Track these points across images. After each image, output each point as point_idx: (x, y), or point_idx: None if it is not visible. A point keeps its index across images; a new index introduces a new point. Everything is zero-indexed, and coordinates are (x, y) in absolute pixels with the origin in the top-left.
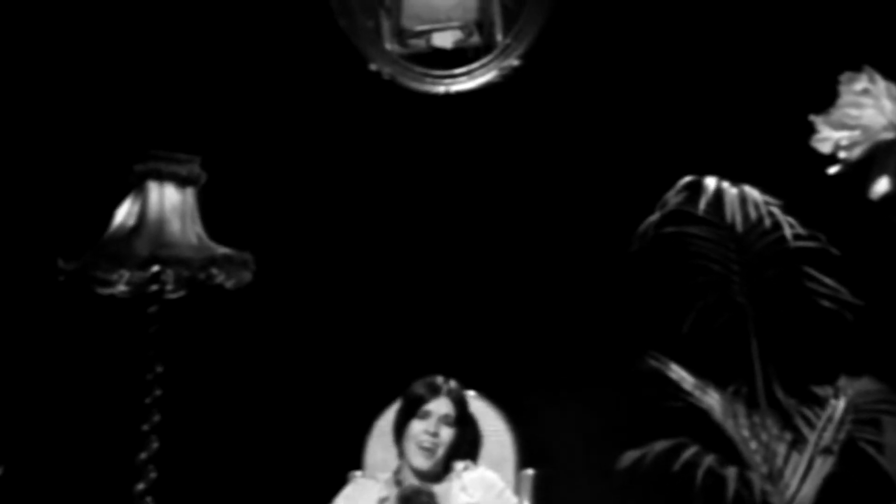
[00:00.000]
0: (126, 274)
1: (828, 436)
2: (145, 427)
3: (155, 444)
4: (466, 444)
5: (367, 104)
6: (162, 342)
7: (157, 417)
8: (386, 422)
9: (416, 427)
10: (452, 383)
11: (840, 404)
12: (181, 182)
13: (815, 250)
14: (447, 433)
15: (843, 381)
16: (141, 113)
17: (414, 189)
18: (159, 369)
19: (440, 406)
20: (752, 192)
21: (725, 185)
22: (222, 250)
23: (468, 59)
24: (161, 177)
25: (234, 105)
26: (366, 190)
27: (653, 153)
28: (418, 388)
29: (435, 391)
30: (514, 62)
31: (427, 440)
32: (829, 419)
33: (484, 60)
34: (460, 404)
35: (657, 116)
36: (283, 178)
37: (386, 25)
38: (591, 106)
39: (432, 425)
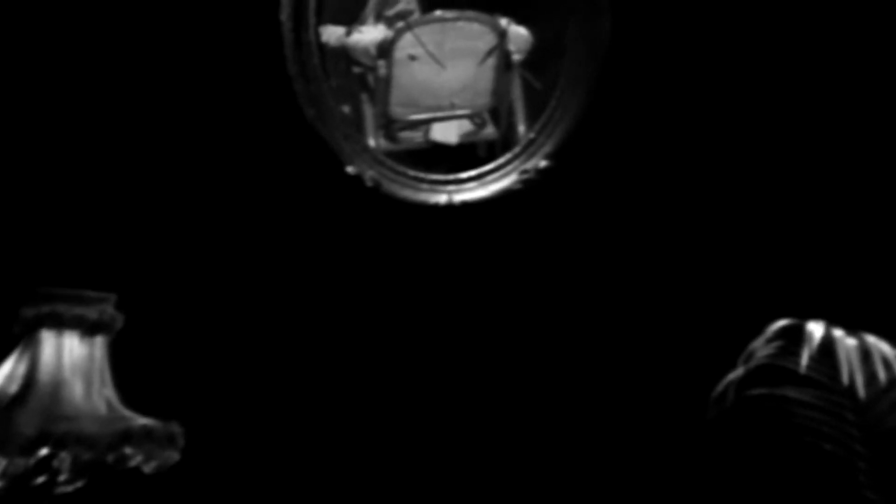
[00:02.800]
0: (2, 462)
1: None
2: None
3: None
4: None
5: (344, 219)
6: None
7: None
8: None
9: None
10: None
11: None
12: (88, 329)
13: None
14: None
15: None
16: (33, 237)
17: (405, 332)
18: None
19: None
20: (880, 345)
21: (837, 333)
22: (141, 421)
23: (479, 158)
24: (60, 323)
25: (162, 224)
26: (341, 335)
27: (732, 286)
28: None
29: None
30: (541, 163)
31: None
32: None
33: (500, 160)
34: None
35: (736, 236)
36: (229, 318)
37: (369, 114)
38: (641, 221)
39: None
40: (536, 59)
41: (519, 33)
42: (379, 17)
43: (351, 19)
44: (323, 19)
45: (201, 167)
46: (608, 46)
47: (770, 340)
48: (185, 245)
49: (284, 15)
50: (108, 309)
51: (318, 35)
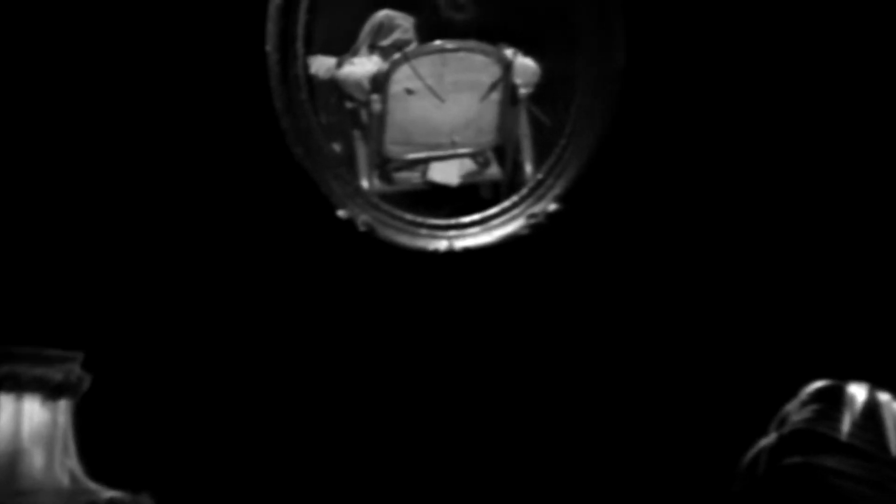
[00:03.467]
0: None
1: None
2: None
3: None
4: None
5: (335, 267)
6: None
7: None
8: None
9: None
10: None
11: None
12: (51, 392)
13: None
14: None
15: None
16: None
17: (403, 387)
18: None
19: None
20: None
21: (883, 396)
22: (108, 494)
23: (483, 201)
24: (19, 385)
25: (135, 272)
26: (333, 394)
27: (761, 340)
28: None
29: None
30: (550, 206)
31: None
32: None
33: (506, 203)
34: None
35: (766, 284)
36: (207, 377)
37: (362, 152)
38: (659, 268)
39: None
40: (545, 93)
41: (526, 65)
42: (373, 48)
43: (342, 50)
44: (312, 50)
45: (180, 210)
46: (622, 79)
47: (806, 403)
48: (161, 295)
49: (270, 45)
50: (73, 369)
51: (306, 67)
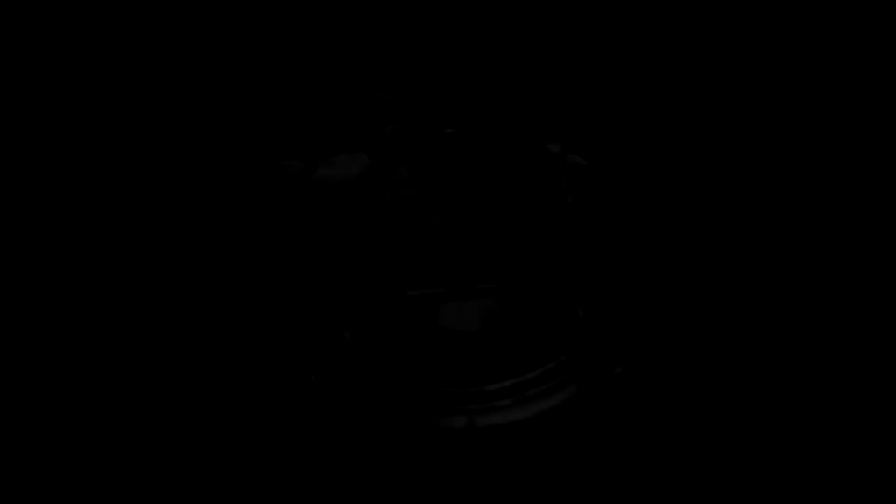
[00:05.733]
0: None
1: None
2: None
3: None
4: None
5: (312, 448)
6: None
7: None
8: None
9: None
10: None
11: None
12: None
13: None
14: None
15: None
16: None
17: None
18: None
19: None
20: None
21: None
22: None
23: (512, 356)
24: None
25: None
26: None
27: None
28: None
29: None
30: (614, 368)
31: None
32: None
33: (549, 363)
34: None
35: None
36: None
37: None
38: (761, 450)
39: None
40: (600, 205)
41: (575, 164)
42: (357, 146)
43: (314, 151)
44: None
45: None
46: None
47: None
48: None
49: None
50: None
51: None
